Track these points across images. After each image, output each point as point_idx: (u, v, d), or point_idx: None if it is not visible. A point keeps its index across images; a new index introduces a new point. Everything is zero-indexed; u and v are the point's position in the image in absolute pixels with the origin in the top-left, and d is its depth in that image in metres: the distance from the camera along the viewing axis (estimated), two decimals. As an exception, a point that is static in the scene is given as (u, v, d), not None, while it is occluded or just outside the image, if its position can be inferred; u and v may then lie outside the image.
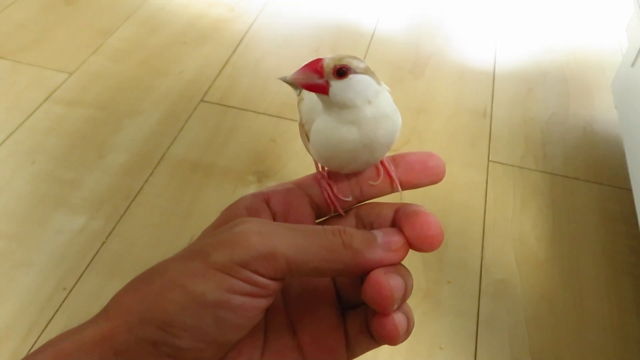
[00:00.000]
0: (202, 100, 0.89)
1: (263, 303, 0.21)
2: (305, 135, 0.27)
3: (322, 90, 0.24)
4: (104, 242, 0.69)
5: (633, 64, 0.74)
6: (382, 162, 0.26)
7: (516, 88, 0.97)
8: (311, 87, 0.24)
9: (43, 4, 1.07)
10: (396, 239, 0.22)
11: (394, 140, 0.25)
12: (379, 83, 0.24)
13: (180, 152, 0.81)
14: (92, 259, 0.67)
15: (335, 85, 0.23)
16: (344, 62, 0.23)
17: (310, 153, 0.27)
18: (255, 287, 0.20)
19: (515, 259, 0.70)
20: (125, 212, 0.72)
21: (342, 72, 0.23)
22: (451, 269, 0.69)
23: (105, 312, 0.20)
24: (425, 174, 0.26)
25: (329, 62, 0.23)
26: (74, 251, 0.68)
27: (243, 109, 0.88)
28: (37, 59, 0.94)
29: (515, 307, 0.66)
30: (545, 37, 1.09)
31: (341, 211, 0.26)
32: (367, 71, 0.24)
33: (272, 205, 0.25)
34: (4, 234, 0.69)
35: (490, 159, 0.83)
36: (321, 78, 0.23)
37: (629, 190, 0.78)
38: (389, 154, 0.26)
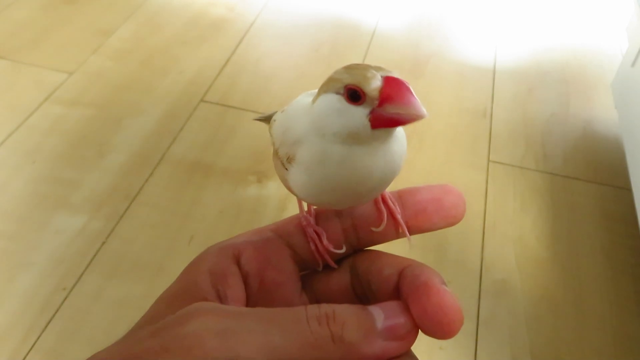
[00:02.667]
0: (202, 100, 0.89)
1: None
2: (282, 164, 0.22)
3: None
4: (104, 242, 0.69)
5: (633, 64, 0.74)
6: (384, 200, 0.21)
7: (516, 88, 0.97)
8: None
9: (43, 4, 1.07)
10: (401, 323, 0.17)
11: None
12: None
13: (180, 152, 0.81)
14: (92, 259, 0.67)
15: None
16: None
17: (288, 187, 0.21)
18: None
19: (515, 259, 0.70)
20: (125, 212, 0.72)
21: None
22: (451, 269, 0.69)
23: None
24: (439, 215, 0.21)
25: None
26: (73, 251, 0.67)
27: (243, 109, 0.88)
28: (37, 59, 0.94)
29: (515, 307, 0.66)
30: (546, 37, 1.09)
31: (332, 264, 0.21)
32: None
33: (243, 264, 0.20)
34: (4, 234, 0.69)
35: (490, 159, 0.83)
36: None
37: (629, 190, 0.78)
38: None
